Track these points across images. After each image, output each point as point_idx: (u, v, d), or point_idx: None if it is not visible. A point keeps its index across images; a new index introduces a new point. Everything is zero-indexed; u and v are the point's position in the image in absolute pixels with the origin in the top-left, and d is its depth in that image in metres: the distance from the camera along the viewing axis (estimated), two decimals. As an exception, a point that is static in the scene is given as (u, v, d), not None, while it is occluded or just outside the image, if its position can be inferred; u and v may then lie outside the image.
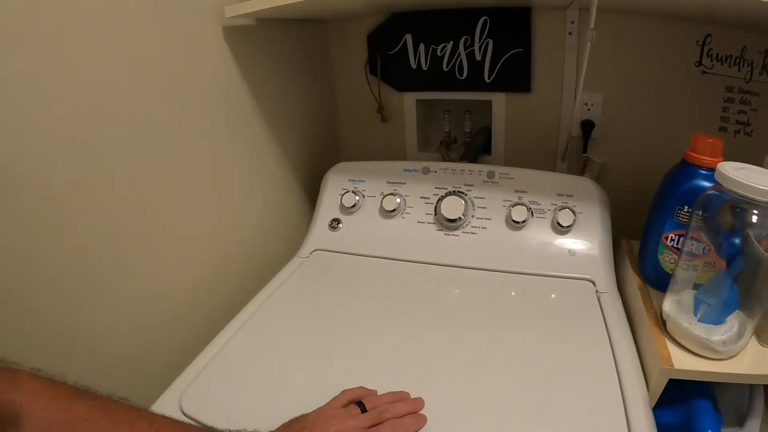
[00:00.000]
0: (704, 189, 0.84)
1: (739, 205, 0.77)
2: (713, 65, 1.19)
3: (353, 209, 1.17)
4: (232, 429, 0.63)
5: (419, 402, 0.74)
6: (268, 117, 1.16)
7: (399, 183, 1.18)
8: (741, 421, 0.95)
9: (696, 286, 0.88)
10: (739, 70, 1.18)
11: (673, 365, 0.82)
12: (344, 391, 0.74)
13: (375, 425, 0.68)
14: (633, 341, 0.90)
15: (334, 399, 0.73)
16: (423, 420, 0.71)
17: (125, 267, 0.85)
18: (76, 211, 0.75)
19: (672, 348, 0.85)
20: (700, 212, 0.83)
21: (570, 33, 1.23)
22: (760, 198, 0.73)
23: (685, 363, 0.82)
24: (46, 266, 0.72)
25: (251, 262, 1.14)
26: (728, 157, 0.82)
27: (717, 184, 0.79)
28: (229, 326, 0.92)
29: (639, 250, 1.05)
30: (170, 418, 0.59)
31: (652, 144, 1.14)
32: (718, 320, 0.84)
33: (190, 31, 0.93)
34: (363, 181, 1.20)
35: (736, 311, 0.84)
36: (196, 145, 0.96)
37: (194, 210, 0.98)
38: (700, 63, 1.19)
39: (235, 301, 0.99)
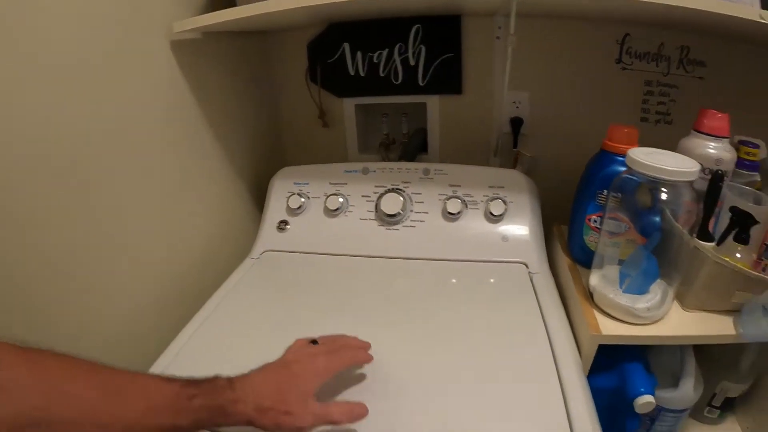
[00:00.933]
0: (617, 172, 0.93)
1: (651, 185, 0.85)
2: (632, 62, 1.28)
3: (299, 210, 1.21)
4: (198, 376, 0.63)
5: (366, 343, 0.80)
6: (215, 126, 1.19)
7: (341, 183, 1.23)
8: (675, 382, 1.03)
9: (621, 262, 0.96)
10: (657, 65, 1.28)
11: (600, 332, 0.90)
12: (297, 340, 0.78)
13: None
14: (564, 314, 0.98)
15: (291, 345, 0.76)
16: (370, 356, 0.78)
17: (76, 278, 0.85)
18: (27, 223, 0.75)
19: (600, 317, 0.94)
20: (618, 194, 0.91)
21: (498, 38, 1.31)
22: (665, 177, 0.82)
23: (612, 329, 0.91)
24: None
25: (206, 266, 1.17)
26: (651, 145, 0.90)
27: (629, 168, 0.87)
28: (185, 329, 0.94)
29: (568, 233, 1.14)
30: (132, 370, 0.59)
31: (578, 136, 1.21)
32: (641, 290, 0.93)
33: (139, 46, 0.95)
34: (307, 184, 1.24)
35: (658, 280, 0.93)
36: (146, 155, 0.98)
37: (148, 218, 1.00)
38: (620, 60, 1.29)
39: (192, 304, 1.01)
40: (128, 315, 0.95)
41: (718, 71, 1.27)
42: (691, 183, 0.83)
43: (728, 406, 1.15)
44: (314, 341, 0.77)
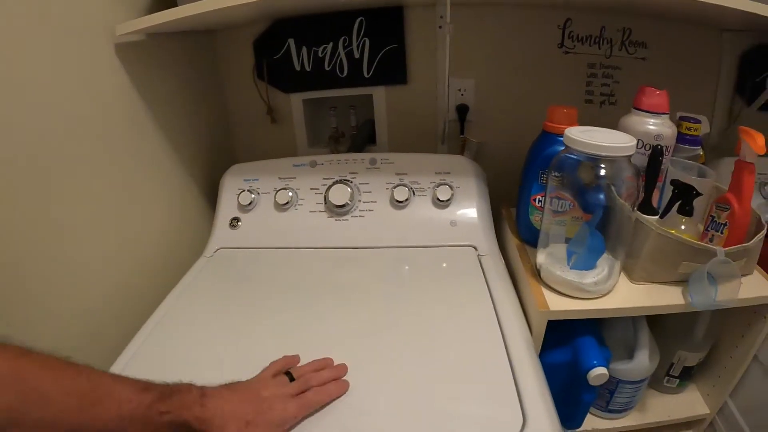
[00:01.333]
0: (556, 152, 0.93)
1: (592, 163, 0.86)
2: (575, 45, 1.30)
3: (250, 207, 1.20)
4: (169, 381, 0.64)
5: (342, 368, 0.78)
6: (164, 127, 1.18)
7: (290, 178, 1.22)
8: (631, 354, 1.06)
9: (568, 240, 0.97)
10: (600, 48, 1.30)
11: (548, 308, 0.91)
12: (272, 363, 0.77)
13: (302, 392, 0.71)
14: (514, 293, 0.99)
15: (263, 371, 0.75)
16: (345, 385, 0.75)
17: (30, 281, 0.83)
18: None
19: (548, 294, 0.95)
20: (558, 173, 0.91)
21: (440, 27, 1.31)
22: (601, 153, 0.83)
23: (560, 305, 0.92)
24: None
25: (160, 266, 1.15)
26: (596, 125, 0.91)
27: (567, 146, 0.88)
28: (141, 330, 0.92)
29: (516, 215, 1.15)
30: (111, 373, 0.60)
31: (523, 121, 1.21)
32: (588, 265, 0.94)
33: (82, 50, 0.93)
34: (257, 180, 1.23)
35: (605, 255, 0.94)
36: (97, 158, 0.97)
37: (101, 219, 0.99)
38: (562, 44, 1.31)
39: (148, 305, 0.99)
40: (81, 316, 0.93)
41: (659, 51, 1.30)
42: (628, 158, 0.85)
43: (687, 375, 1.17)
44: (288, 374, 0.75)
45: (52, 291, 0.87)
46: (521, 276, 1.03)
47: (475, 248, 1.10)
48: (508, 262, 1.12)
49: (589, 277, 0.93)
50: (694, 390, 1.23)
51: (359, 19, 1.33)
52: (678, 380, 1.19)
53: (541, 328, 0.92)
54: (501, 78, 1.36)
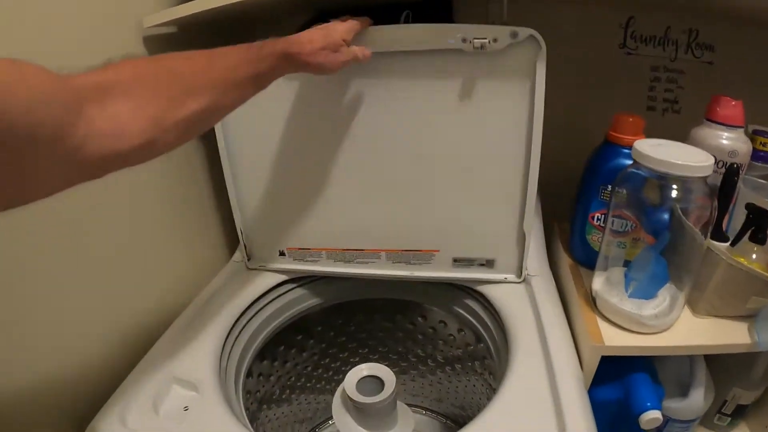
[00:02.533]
0: (626, 167, 0.85)
1: (660, 181, 0.77)
2: (637, 46, 1.21)
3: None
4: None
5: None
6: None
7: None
8: (684, 391, 0.97)
9: (627, 264, 0.89)
10: (664, 50, 1.20)
11: (603, 342, 0.82)
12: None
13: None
14: (565, 321, 0.90)
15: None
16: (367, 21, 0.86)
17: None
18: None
19: (603, 325, 0.86)
20: (622, 190, 0.83)
21: (493, 22, 1.22)
22: (675, 172, 0.74)
23: (616, 339, 0.83)
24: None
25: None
26: (659, 135, 0.83)
27: (635, 161, 0.79)
28: None
29: (569, 232, 1.06)
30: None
31: (579, 128, 1.14)
32: (648, 294, 0.85)
33: (110, 44, 0.87)
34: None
35: (667, 284, 0.86)
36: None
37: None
38: (624, 45, 1.21)
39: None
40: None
41: (728, 56, 1.19)
42: (705, 178, 0.76)
43: (740, 413, 1.09)
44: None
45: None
46: (573, 302, 0.94)
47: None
48: (559, 284, 1.02)
49: (648, 308, 0.84)
50: (745, 429, 1.14)
51: (406, 12, 1.25)
52: (729, 418, 1.10)
53: (593, 364, 0.83)
54: (557, 79, 1.26)
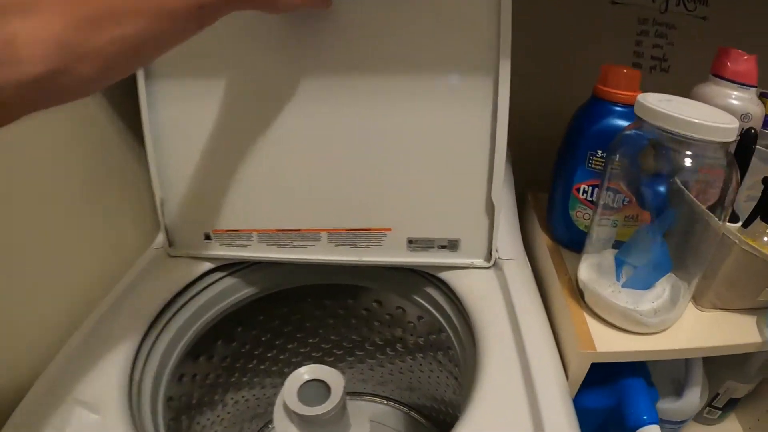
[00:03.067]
0: (620, 128, 0.70)
1: (665, 145, 0.62)
2: (624, -6, 1.07)
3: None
4: None
5: None
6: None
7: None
8: (678, 390, 0.87)
9: (617, 245, 0.74)
10: (654, 1, 1.06)
11: (595, 348, 0.67)
12: None
13: None
14: (546, 319, 0.74)
15: None
16: None
17: None
18: None
19: (593, 324, 0.71)
20: (617, 157, 0.68)
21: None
22: (693, 134, 0.57)
23: (610, 343, 0.68)
24: None
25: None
26: None
27: (637, 120, 0.64)
28: None
29: (547, 206, 0.90)
30: None
31: (560, 83, 1.01)
32: (646, 284, 0.71)
33: None
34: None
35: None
36: None
37: None
38: (609, -9, 1.07)
39: None
40: None
41: (723, 11, 1.06)
42: (726, 144, 0.60)
43: (731, 406, 1.01)
44: None
45: None
46: (555, 293, 0.78)
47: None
48: (535, 266, 0.86)
49: (646, 302, 0.69)
50: (735, 421, 1.05)
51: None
52: (720, 411, 1.00)
53: (581, 372, 0.68)
54: (536, 29, 1.09)
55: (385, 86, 0.69)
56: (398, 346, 1.08)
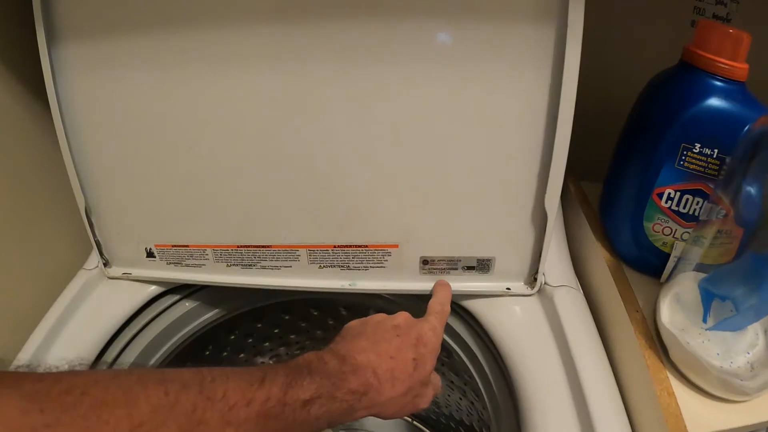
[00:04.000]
0: (730, 115, 0.51)
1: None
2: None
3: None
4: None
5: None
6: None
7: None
8: None
9: (700, 268, 0.55)
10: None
11: (686, 429, 0.46)
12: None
13: None
14: (611, 373, 0.54)
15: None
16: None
17: None
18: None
19: (679, 389, 0.50)
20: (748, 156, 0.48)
21: None
22: None
23: (706, 420, 0.48)
24: None
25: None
26: None
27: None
28: None
29: (601, 208, 0.68)
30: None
31: (606, 35, 0.78)
32: (738, 325, 0.51)
33: None
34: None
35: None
36: None
37: None
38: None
39: None
40: None
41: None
42: None
43: None
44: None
45: None
46: (621, 336, 0.56)
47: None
48: (586, 291, 0.64)
49: (738, 353, 0.50)
50: None
51: None
52: None
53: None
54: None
55: (390, 41, 0.48)
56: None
